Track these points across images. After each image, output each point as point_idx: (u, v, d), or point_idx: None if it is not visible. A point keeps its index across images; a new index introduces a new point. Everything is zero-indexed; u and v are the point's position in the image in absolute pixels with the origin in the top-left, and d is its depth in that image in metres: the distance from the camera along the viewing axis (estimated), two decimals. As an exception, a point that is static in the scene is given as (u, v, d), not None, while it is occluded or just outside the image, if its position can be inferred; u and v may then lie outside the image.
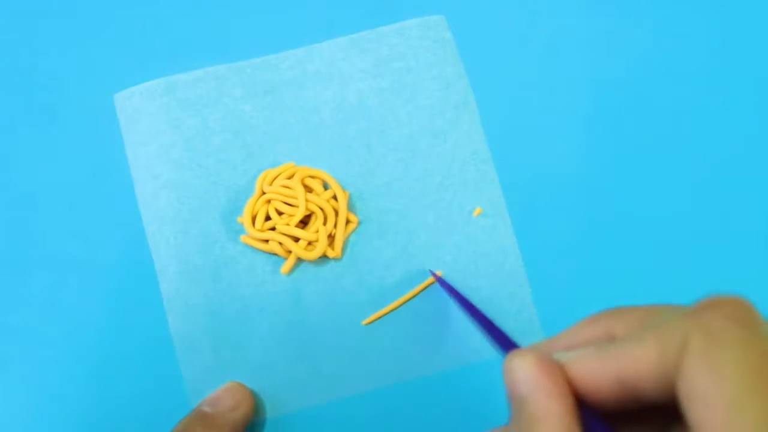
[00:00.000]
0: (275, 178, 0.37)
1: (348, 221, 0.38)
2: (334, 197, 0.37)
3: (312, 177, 0.38)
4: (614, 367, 0.18)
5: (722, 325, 0.17)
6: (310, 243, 0.37)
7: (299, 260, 0.37)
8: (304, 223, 0.37)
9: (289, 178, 0.37)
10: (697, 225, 0.38)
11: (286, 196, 0.37)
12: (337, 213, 0.37)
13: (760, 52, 0.41)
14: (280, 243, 0.36)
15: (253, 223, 0.37)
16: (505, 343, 0.27)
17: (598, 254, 0.38)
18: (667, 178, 0.39)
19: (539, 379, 0.18)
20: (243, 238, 0.37)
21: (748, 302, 0.18)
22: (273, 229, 0.37)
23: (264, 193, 0.37)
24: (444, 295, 0.37)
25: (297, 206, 0.37)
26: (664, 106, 0.40)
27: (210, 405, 0.34)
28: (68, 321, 0.36)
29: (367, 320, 0.36)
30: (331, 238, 0.37)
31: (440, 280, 0.37)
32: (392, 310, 0.37)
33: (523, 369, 0.19)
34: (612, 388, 0.18)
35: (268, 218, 0.37)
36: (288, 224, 0.36)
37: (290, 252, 0.37)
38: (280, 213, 0.37)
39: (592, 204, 0.38)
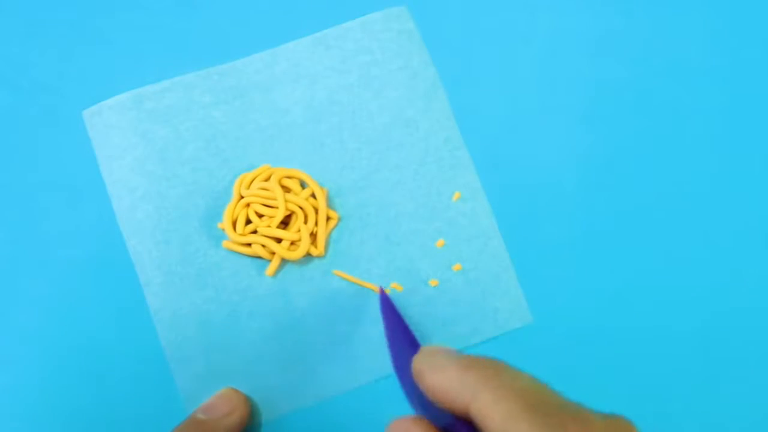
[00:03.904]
0: (252, 181, 0.37)
1: (328, 218, 0.38)
2: (313, 195, 0.37)
3: (289, 177, 0.38)
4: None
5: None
6: (292, 243, 0.37)
7: (284, 261, 0.37)
8: (285, 224, 0.37)
9: (266, 180, 0.37)
10: (675, 203, 0.39)
11: (264, 198, 0.37)
12: (317, 211, 0.37)
13: (760, 52, 0.41)
14: (263, 245, 0.36)
15: (234, 228, 0.37)
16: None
17: (578, 230, 0.38)
18: (641, 148, 0.39)
19: None
20: (225, 243, 0.37)
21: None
22: (254, 232, 0.37)
23: (242, 197, 0.37)
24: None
25: (276, 207, 0.37)
26: (628, 78, 0.40)
27: (204, 412, 0.34)
28: (59, 339, 0.36)
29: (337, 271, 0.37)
30: (313, 236, 0.37)
31: (384, 299, 0.36)
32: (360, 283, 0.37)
33: None
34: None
35: (248, 222, 0.37)
36: (269, 226, 0.36)
37: (274, 253, 0.37)
38: (260, 216, 0.37)
39: (568, 180, 0.39)
